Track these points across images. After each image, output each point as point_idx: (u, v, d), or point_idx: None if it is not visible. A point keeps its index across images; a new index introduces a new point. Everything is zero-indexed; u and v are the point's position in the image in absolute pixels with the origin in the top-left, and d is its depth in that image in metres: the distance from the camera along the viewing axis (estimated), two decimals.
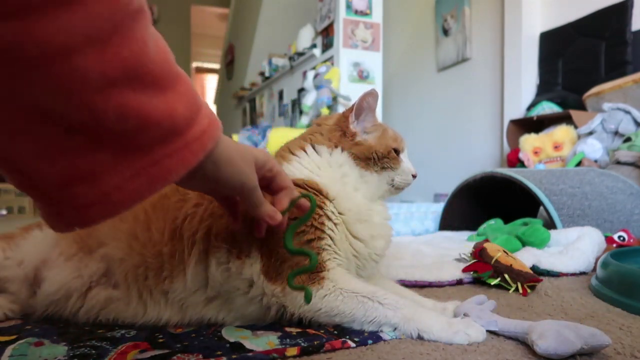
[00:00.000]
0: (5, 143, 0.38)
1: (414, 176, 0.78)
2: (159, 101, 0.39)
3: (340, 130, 0.76)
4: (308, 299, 0.59)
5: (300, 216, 0.64)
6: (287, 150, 0.77)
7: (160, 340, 0.62)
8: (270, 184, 0.60)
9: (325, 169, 0.74)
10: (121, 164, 0.40)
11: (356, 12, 3.06)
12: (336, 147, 0.75)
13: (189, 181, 0.47)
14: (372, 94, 0.74)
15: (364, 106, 0.75)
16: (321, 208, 0.69)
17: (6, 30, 0.31)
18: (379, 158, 0.75)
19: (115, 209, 0.41)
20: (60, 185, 0.40)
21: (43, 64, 0.33)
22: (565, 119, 2.16)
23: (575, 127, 2.09)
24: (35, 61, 0.33)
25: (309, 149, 0.76)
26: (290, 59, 3.75)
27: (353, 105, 0.75)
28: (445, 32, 3.25)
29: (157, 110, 0.39)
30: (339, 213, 0.71)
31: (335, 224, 0.69)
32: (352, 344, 0.60)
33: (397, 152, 0.77)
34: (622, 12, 2.16)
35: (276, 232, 0.66)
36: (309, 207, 0.63)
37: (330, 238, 0.68)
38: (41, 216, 0.43)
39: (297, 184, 0.70)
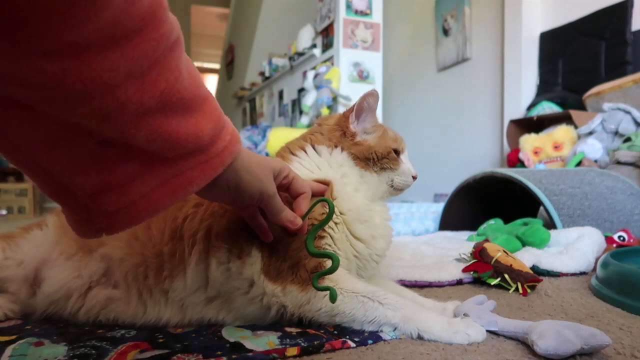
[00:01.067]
0: (44, 154, 0.40)
1: (414, 177, 0.78)
2: (188, 123, 0.42)
3: (340, 130, 0.76)
4: (333, 298, 0.59)
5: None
6: (287, 151, 0.77)
7: (160, 340, 0.62)
8: (287, 190, 0.63)
9: (326, 169, 0.74)
10: (147, 175, 0.43)
11: (356, 12, 3.06)
12: (336, 147, 0.75)
13: (211, 191, 0.50)
14: (372, 95, 0.74)
15: (364, 106, 0.75)
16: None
17: (54, 68, 0.32)
18: (378, 158, 0.75)
19: (140, 216, 0.44)
20: (91, 193, 0.42)
21: (85, 97, 0.34)
22: (565, 119, 2.16)
23: (575, 127, 2.09)
24: (77, 94, 0.34)
25: (309, 149, 0.76)
26: (290, 59, 3.75)
27: (354, 106, 0.75)
28: (445, 32, 3.25)
29: (186, 131, 0.42)
30: (340, 213, 0.71)
31: (335, 224, 0.69)
32: (352, 344, 0.60)
33: (397, 153, 0.77)
34: (622, 12, 2.16)
35: (275, 231, 0.66)
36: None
37: (331, 238, 0.68)
38: (69, 223, 0.45)
39: None
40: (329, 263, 0.67)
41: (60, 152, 0.40)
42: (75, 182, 0.42)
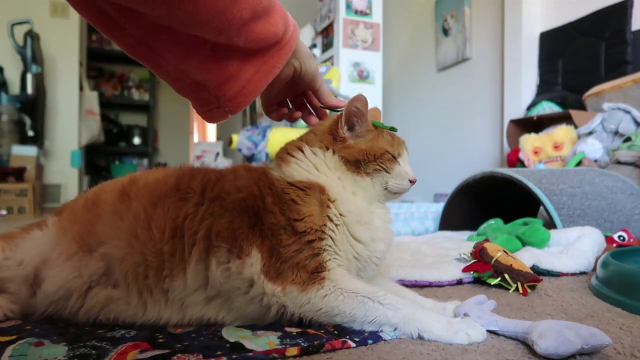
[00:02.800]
0: (182, 62, 0.60)
1: (412, 182, 0.76)
2: (269, 24, 0.60)
3: (331, 135, 0.76)
4: None
5: None
6: (285, 152, 0.77)
7: (160, 340, 0.62)
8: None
9: (324, 169, 0.74)
10: (247, 65, 0.62)
11: (356, 12, 3.06)
12: (327, 149, 0.75)
13: (283, 76, 0.70)
14: (360, 99, 0.73)
15: (352, 111, 0.74)
16: (329, 207, 0.69)
17: (186, 8, 0.50)
18: (369, 160, 0.74)
19: (250, 95, 0.64)
20: (217, 85, 0.62)
21: (207, 21, 0.53)
22: (565, 119, 2.16)
23: (575, 127, 2.09)
24: (203, 20, 0.53)
25: (306, 149, 0.76)
26: None
27: (342, 112, 0.75)
28: (445, 32, 3.25)
29: (268, 31, 0.60)
30: (340, 214, 0.70)
31: (336, 225, 0.69)
32: (352, 344, 0.60)
33: (392, 156, 0.76)
34: (622, 12, 2.16)
35: (276, 232, 0.66)
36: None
37: (331, 239, 0.68)
38: (204, 115, 0.66)
39: (297, 186, 0.70)
40: (329, 264, 0.67)
41: (192, 59, 0.60)
42: (206, 79, 0.62)
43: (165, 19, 0.53)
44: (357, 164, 0.74)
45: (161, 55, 0.59)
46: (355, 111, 0.74)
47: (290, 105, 0.84)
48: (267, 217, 0.67)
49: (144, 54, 0.60)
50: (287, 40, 0.64)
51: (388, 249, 0.76)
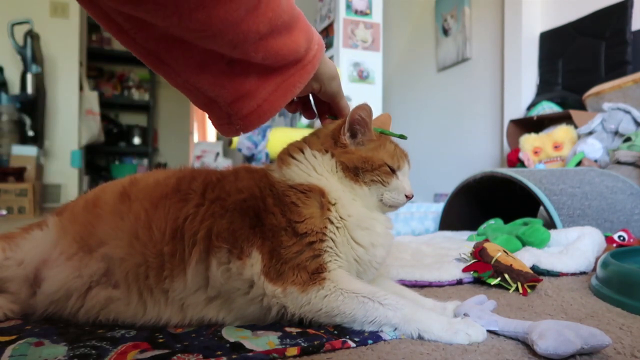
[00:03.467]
0: (195, 76, 0.57)
1: (408, 197, 0.76)
2: (290, 40, 0.57)
3: (333, 139, 0.76)
4: None
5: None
6: (286, 153, 0.77)
7: (160, 340, 0.62)
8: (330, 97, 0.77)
9: (322, 171, 0.74)
10: (265, 83, 0.59)
11: (356, 12, 3.06)
12: (326, 152, 0.75)
13: (307, 87, 0.68)
14: (364, 108, 0.73)
15: (355, 119, 0.74)
16: (329, 210, 0.69)
17: (204, 15, 0.48)
18: (366, 170, 0.73)
19: (265, 115, 0.61)
20: (230, 102, 0.60)
21: (222, 33, 0.50)
22: (565, 119, 2.16)
23: (575, 127, 2.09)
24: (217, 31, 0.50)
25: (307, 150, 0.75)
26: None
27: (345, 119, 0.75)
28: (445, 32, 3.25)
29: (289, 47, 0.57)
30: (340, 218, 0.70)
31: (337, 228, 0.69)
32: (352, 344, 0.60)
33: (390, 169, 0.75)
34: (622, 12, 2.16)
35: (276, 233, 0.66)
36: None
37: (332, 240, 0.68)
38: (216, 128, 0.65)
39: (298, 189, 0.70)
40: (329, 265, 0.67)
41: (206, 74, 0.57)
42: (218, 95, 0.59)
43: (177, 30, 0.50)
44: (356, 171, 0.73)
45: (172, 68, 0.57)
46: (359, 119, 0.74)
47: (312, 101, 0.81)
48: (268, 219, 0.67)
49: (155, 65, 0.57)
50: (310, 59, 0.62)
51: (388, 254, 0.76)
